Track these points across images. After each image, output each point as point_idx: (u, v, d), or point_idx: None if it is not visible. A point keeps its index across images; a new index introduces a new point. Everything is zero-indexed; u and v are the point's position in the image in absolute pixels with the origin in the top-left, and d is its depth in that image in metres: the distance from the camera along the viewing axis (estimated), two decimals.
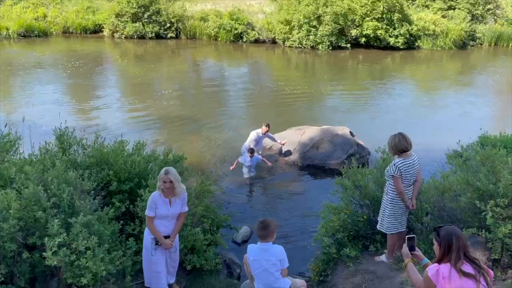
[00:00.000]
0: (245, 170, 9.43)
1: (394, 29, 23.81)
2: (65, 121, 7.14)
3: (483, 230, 4.66)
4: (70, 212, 4.66)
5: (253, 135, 9.68)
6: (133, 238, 5.10)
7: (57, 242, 4.14)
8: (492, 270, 3.88)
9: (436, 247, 3.22)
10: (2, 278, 4.12)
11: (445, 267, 3.08)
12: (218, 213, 6.56)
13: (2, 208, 4.30)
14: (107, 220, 4.97)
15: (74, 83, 16.52)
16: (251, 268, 4.18)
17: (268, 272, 4.09)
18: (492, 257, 4.72)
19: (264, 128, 9.71)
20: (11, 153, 5.84)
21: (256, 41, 24.70)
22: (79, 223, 4.35)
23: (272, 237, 4.16)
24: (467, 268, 3.08)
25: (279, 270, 4.11)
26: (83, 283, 4.22)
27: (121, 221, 5.24)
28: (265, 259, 4.11)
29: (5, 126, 6.47)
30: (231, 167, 9.25)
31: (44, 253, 4.14)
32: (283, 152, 10.22)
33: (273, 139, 10.20)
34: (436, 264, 3.16)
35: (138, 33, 24.50)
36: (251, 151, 9.21)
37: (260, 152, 9.92)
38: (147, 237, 4.76)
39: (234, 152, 10.40)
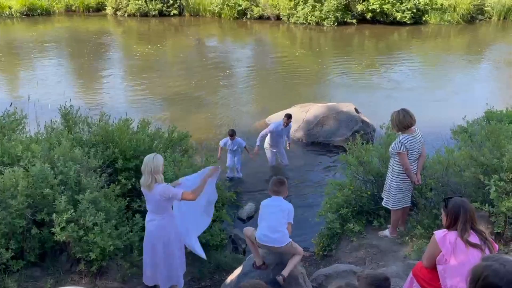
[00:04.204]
0: (228, 155, 8.44)
1: (401, 3, 23.33)
2: (70, 99, 7.18)
3: (487, 204, 4.68)
4: (77, 189, 4.73)
5: (271, 126, 8.52)
6: (140, 214, 5.16)
7: (65, 218, 4.22)
8: (495, 243, 3.91)
9: (443, 217, 3.27)
10: (13, 254, 4.22)
11: (452, 234, 3.13)
12: (223, 190, 6.63)
13: (10, 186, 4.37)
14: (114, 197, 5.04)
15: (77, 62, 16.48)
16: (261, 212, 4.34)
17: (275, 216, 4.23)
18: (495, 231, 4.75)
19: (285, 120, 8.43)
20: (17, 131, 5.89)
21: (260, 17, 24.36)
22: (86, 200, 4.42)
23: (285, 193, 4.34)
24: (474, 238, 3.12)
25: (285, 219, 4.24)
26: (91, 258, 4.33)
27: (128, 198, 5.31)
28: (275, 205, 4.28)
29: (10, 105, 6.49)
30: (218, 156, 8.06)
31: (52, 229, 4.23)
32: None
33: (288, 133, 8.88)
34: (445, 229, 3.20)
35: (141, 10, 24.25)
36: (231, 133, 8.16)
37: (284, 145, 8.87)
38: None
39: (238, 129, 10.41)
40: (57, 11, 25.04)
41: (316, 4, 22.89)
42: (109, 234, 4.46)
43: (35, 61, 16.28)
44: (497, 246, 3.27)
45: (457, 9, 24.14)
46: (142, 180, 4.32)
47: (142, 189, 4.41)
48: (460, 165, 5.41)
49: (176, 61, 17.01)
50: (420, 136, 5.15)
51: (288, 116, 8.47)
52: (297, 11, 23.38)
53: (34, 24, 22.64)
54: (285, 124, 8.43)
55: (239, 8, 24.18)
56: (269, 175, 8.70)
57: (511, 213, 4.61)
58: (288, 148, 8.97)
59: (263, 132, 8.58)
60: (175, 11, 24.81)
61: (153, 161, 4.21)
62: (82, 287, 4.31)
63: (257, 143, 8.52)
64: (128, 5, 24.30)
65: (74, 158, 4.96)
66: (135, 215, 5.15)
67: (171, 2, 24.74)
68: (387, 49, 19.77)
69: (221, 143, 8.37)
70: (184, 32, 22.75)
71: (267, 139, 8.66)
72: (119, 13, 24.69)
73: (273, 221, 4.22)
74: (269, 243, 4.24)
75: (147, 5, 24.30)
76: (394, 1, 23.20)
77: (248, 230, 4.47)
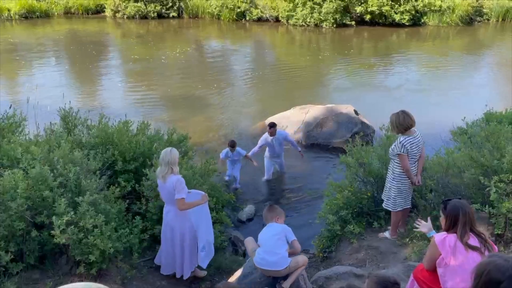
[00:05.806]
0: (228, 164, 8.28)
1: (400, 5, 23.39)
2: (69, 101, 7.18)
3: (487, 206, 4.68)
4: (77, 191, 4.71)
5: (260, 140, 8.22)
6: (139, 216, 5.16)
7: (64, 221, 4.20)
8: (496, 245, 3.91)
9: (442, 219, 3.26)
10: (12, 256, 4.21)
11: (452, 237, 3.13)
12: (222, 192, 6.62)
13: (9, 188, 4.35)
14: (113, 199, 5.03)
15: (76, 64, 16.47)
16: (258, 241, 4.36)
17: (271, 241, 4.25)
18: (495, 232, 4.75)
19: (267, 130, 7.99)
20: (16, 133, 5.89)
21: (259, 19, 24.38)
22: (86, 202, 4.41)
23: (278, 218, 4.41)
24: (473, 241, 3.12)
25: (282, 241, 4.24)
26: (91, 260, 4.31)
27: (127, 200, 5.31)
28: (268, 231, 4.33)
29: (9, 107, 6.48)
30: (218, 165, 7.48)
31: (52, 231, 4.21)
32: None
33: (289, 141, 8.39)
34: (444, 232, 3.20)
35: (140, 13, 24.27)
36: (232, 143, 7.91)
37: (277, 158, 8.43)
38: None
39: (238, 131, 10.42)
40: (56, 14, 25.05)
41: (315, 6, 22.93)
42: (109, 236, 4.44)
43: (34, 63, 16.27)
44: (496, 248, 3.27)
45: (456, 10, 24.19)
46: (158, 171, 4.69)
47: (158, 181, 4.72)
48: (460, 166, 5.42)
49: (175, 63, 17.00)
50: (420, 137, 5.15)
51: (270, 125, 7.94)
52: (296, 13, 23.41)
53: (33, 27, 22.63)
54: (269, 134, 7.92)
55: (238, 10, 24.22)
56: (268, 179, 8.70)
57: (511, 214, 4.62)
58: (302, 157, 8.55)
59: (254, 148, 8.28)
60: (174, 13, 24.83)
61: (170, 153, 4.61)
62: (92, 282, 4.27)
63: (249, 153, 8.18)
64: (127, 7, 24.31)
65: (74, 160, 4.95)
66: (135, 217, 5.15)
67: (170, 4, 24.76)
68: (385, 51, 19.80)
69: (222, 155, 8.08)
70: (183, 34, 22.76)
71: (266, 150, 8.36)
72: (118, 15, 24.70)
73: (270, 245, 4.22)
74: (268, 267, 4.20)
75: (146, 7, 24.32)
76: (392, 3, 23.25)
77: (248, 243, 4.53)
